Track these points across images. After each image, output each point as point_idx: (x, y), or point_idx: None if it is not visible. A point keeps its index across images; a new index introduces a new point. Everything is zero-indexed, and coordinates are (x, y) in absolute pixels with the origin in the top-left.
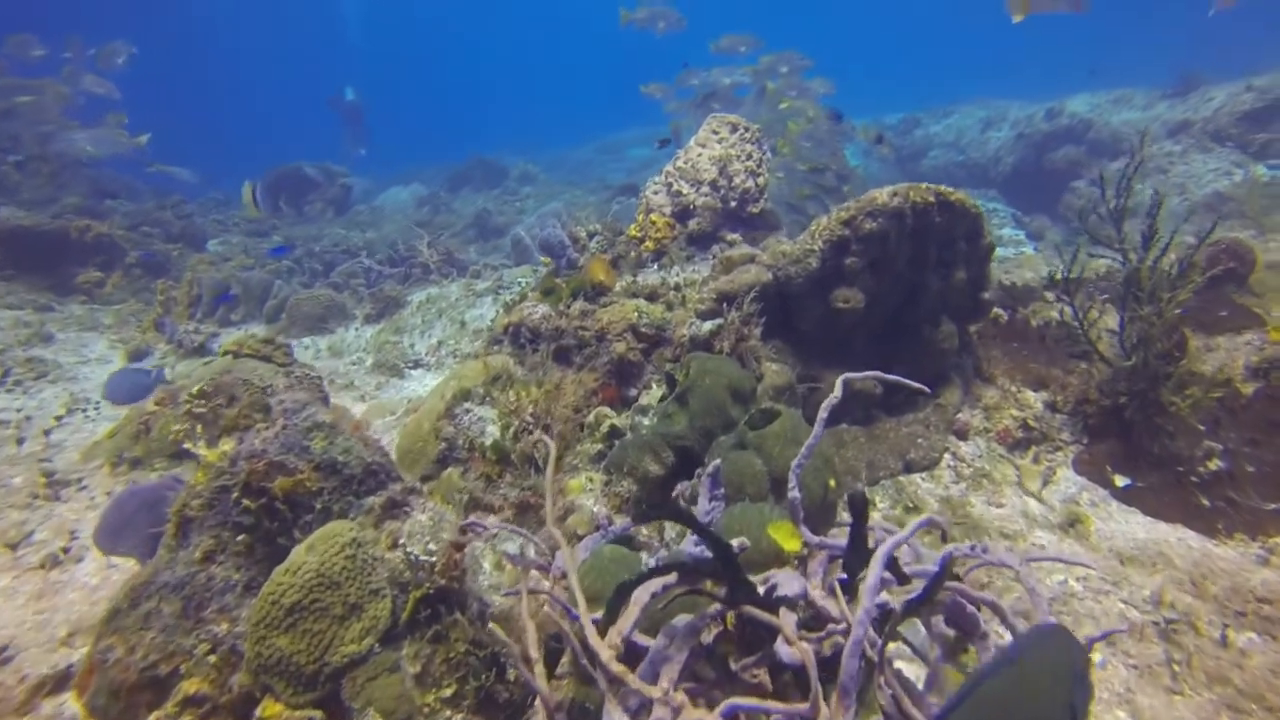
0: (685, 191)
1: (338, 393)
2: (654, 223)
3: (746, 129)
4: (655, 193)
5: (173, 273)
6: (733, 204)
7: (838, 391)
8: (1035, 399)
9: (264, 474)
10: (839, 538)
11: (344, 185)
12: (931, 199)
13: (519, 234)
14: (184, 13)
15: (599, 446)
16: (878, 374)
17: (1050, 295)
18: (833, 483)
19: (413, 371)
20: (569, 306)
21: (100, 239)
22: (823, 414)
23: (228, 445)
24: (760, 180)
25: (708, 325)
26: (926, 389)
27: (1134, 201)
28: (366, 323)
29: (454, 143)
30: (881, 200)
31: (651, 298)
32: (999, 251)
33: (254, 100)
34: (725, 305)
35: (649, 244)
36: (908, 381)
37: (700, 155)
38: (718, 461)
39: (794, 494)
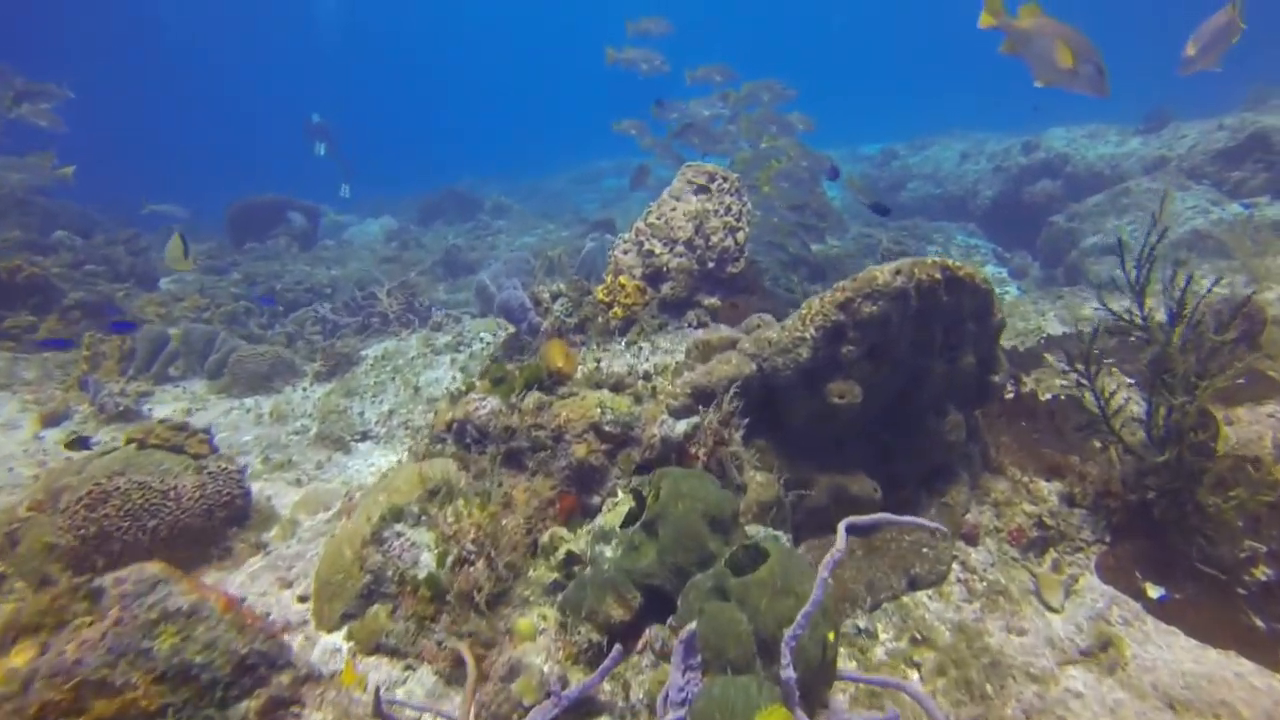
0: (658, 251)
1: (273, 472)
2: (623, 286)
3: (725, 179)
4: (625, 252)
5: (120, 315)
6: (710, 264)
7: (840, 544)
8: (1049, 490)
9: (69, 705)
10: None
11: (312, 220)
12: (938, 275)
13: (483, 281)
14: (161, 42)
15: (554, 576)
16: (887, 516)
17: (1063, 368)
18: (831, 636)
19: (359, 445)
20: (522, 399)
21: (34, 279)
22: (823, 573)
23: (21, 656)
24: (740, 236)
25: (681, 425)
26: (945, 529)
27: (1127, 238)
28: (316, 381)
29: (431, 167)
30: (882, 280)
31: (617, 388)
32: None
33: (239, 129)
34: (702, 405)
35: (618, 310)
36: (923, 522)
37: (675, 210)
38: (692, 626)
39: (788, 673)
